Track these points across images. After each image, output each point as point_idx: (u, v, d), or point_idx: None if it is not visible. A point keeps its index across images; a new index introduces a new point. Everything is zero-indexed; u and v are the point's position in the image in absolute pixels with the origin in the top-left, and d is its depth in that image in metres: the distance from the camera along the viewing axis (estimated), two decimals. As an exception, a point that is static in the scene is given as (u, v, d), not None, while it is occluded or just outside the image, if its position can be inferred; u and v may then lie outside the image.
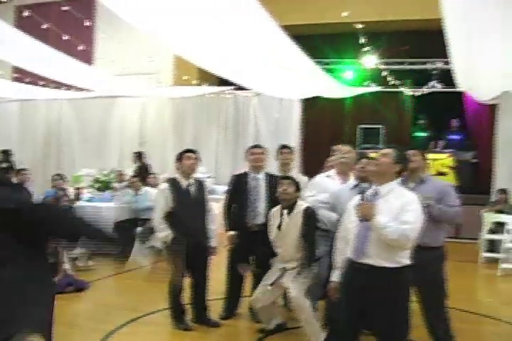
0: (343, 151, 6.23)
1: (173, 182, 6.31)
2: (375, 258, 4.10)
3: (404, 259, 4.15)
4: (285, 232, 5.76)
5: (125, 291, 8.11)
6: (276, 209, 5.89)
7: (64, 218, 3.96)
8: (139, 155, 13.97)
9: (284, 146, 7.12)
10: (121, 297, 7.76)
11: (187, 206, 6.23)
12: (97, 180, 11.52)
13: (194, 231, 6.21)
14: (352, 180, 5.88)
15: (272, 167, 7.01)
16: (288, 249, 5.79)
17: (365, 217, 4.07)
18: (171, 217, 6.19)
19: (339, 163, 6.21)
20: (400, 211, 4.11)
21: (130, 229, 10.06)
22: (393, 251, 4.09)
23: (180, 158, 6.36)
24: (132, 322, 6.43)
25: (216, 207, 13.12)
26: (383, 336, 4.19)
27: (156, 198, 6.42)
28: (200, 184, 6.44)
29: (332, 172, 6.28)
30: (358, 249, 4.18)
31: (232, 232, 6.44)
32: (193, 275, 6.37)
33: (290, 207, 5.78)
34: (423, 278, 4.81)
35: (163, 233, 6.18)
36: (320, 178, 6.32)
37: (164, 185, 6.35)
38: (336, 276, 4.48)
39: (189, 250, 6.12)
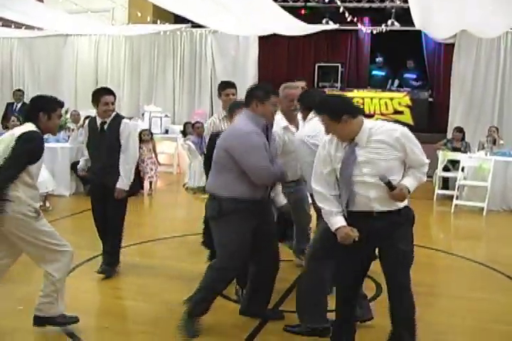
0: (293, 99, 5.42)
1: (92, 120, 6.14)
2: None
3: None
4: None
5: (83, 231, 7.99)
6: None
7: None
8: (22, 93, 13.29)
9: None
10: (78, 236, 7.64)
11: (96, 144, 6.03)
12: (50, 120, 11.29)
13: (98, 170, 6.04)
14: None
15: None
16: None
17: (404, 199, 3.86)
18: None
19: (293, 115, 5.59)
20: (407, 149, 3.82)
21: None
22: None
23: (96, 100, 5.91)
24: (90, 261, 6.43)
25: (173, 147, 13.19)
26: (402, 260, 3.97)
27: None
28: (117, 122, 5.94)
29: (284, 120, 5.58)
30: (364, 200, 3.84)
31: None
32: (104, 219, 6.11)
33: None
34: None
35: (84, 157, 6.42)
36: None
37: (86, 122, 6.40)
38: (340, 221, 3.92)
39: (96, 190, 6.18)
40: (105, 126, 5.93)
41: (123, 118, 6.08)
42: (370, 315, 4.74)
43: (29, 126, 4.43)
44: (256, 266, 4.87)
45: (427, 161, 4.04)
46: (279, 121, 5.48)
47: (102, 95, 5.85)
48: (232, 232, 4.53)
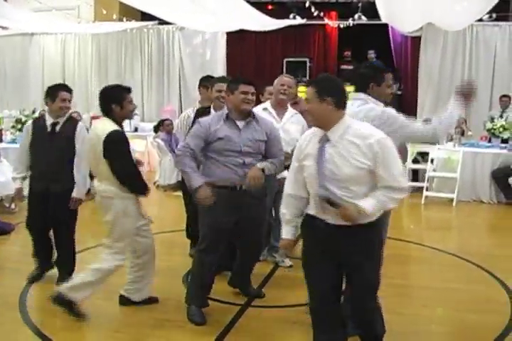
0: (285, 84, 5.84)
1: (38, 120, 5.71)
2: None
3: None
4: None
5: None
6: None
7: None
8: None
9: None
10: (48, 238, 7.62)
11: (43, 147, 5.43)
12: (18, 121, 11.15)
13: (43, 176, 5.44)
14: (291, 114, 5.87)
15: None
16: None
17: (353, 220, 3.40)
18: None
19: (280, 99, 5.85)
20: (378, 161, 3.36)
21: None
22: None
23: (52, 95, 5.43)
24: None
25: (143, 145, 13.10)
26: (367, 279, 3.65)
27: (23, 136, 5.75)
28: (72, 124, 5.51)
29: (268, 104, 5.91)
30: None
31: None
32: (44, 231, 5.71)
33: None
34: None
35: (16, 175, 5.69)
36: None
37: (29, 122, 5.78)
38: (285, 233, 3.77)
39: (37, 197, 5.48)
40: (57, 127, 5.43)
41: (78, 121, 5.81)
42: None
43: (108, 123, 4.61)
44: (239, 248, 5.18)
45: (403, 185, 3.49)
46: (263, 104, 5.98)
47: (60, 90, 5.42)
48: (205, 216, 4.76)
